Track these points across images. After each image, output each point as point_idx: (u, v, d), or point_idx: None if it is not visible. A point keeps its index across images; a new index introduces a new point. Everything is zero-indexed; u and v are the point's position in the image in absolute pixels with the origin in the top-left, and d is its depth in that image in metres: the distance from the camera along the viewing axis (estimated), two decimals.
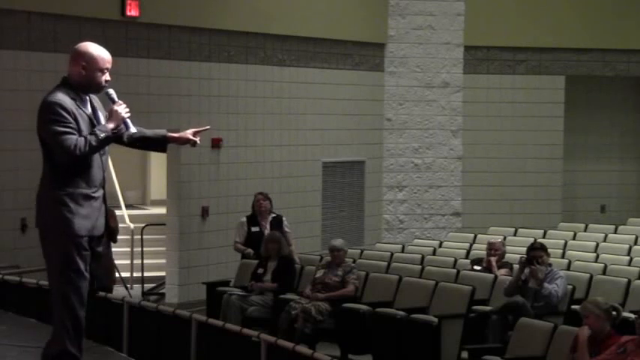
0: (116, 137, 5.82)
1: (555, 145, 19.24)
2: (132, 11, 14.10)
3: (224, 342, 8.36)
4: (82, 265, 5.75)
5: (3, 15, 12.81)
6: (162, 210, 16.95)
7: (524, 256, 11.01)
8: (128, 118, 5.84)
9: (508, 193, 19.05)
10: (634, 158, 20.31)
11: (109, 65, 5.81)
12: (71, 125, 5.63)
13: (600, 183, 20.03)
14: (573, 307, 10.30)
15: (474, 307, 10.82)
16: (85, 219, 5.72)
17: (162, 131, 6.06)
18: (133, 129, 5.89)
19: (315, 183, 17.37)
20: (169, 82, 14.67)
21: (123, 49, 13.88)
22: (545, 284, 10.63)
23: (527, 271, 10.82)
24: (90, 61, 5.75)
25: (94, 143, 5.64)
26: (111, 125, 5.75)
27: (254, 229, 13.12)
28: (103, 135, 5.68)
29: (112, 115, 5.78)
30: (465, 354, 10.30)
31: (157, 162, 19.36)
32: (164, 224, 15.56)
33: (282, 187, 16.36)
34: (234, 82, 15.87)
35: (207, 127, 6.25)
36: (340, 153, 17.84)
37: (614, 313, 8.18)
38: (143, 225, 16.30)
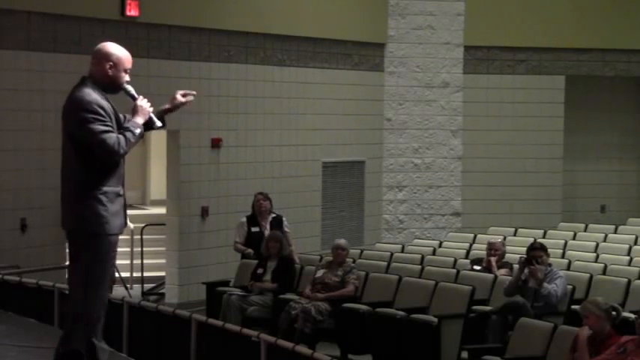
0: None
1: (555, 145, 19.24)
2: (132, 11, 14.10)
3: (224, 342, 8.36)
4: (109, 265, 5.81)
5: (3, 15, 12.81)
6: (162, 210, 16.94)
7: (524, 256, 11.01)
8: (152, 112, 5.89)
9: (508, 193, 19.04)
10: (634, 158, 20.31)
11: (130, 66, 5.88)
12: (109, 124, 5.67)
13: (600, 183, 20.02)
14: (573, 307, 10.31)
15: (474, 307, 10.82)
16: (117, 217, 5.78)
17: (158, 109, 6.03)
18: (158, 123, 5.94)
19: (315, 183, 17.36)
20: (169, 82, 14.65)
21: None
22: (545, 284, 10.63)
23: (526, 271, 10.82)
24: (117, 61, 5.80)
25: (132, 140, 5.71)
26: (140, 120, 5.80)
27: (254, 229, 13.12)
28: (138, 131, 5.75)
29: (138, 110, 5.82)
30: (465, 354, 10.30)
31: (157, 162, 19.35)
32: (164, 224, 15.55)
33: (282, 187, 16.35)
34: (234, 82, 15.87)
35: (194, 92, 6.23)
36: (340, 153, 17.83)
37: (614, 313, 8.18)
38: (143, 225, 16.29)
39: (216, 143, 15.48)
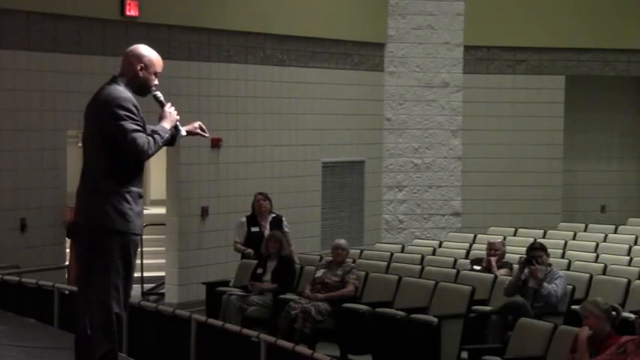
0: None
1: (555, 145, 19.24)
2: (131, 11, 14.09)
3: (224, 342, 8.36)
4: (133, 263, 5.81)
5: (3, 15, 12.80)
6: (162, 210, 16.95)
7: (524, 256, 11.01)
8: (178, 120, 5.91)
9: (508, 193, 19.04)
10: (634, 158, 20.31)
11: (161, 70, 5.88)
12: (141, 124, 5.68)
13: (600, 183, 20.02)
14: (573, 307, 10.30)
15: (474, 307, 10.82)
16: (140, 217, 5.83)
17: (167, 135, 6.01)
18: (183, 132, 5.95)
19: (315, 183, 17.36)
20: (169, 82, 14.64)
21: (122, 49, 13.82)
22: (545, 284, 10.63)
23: (526, 271, 10.82)
24: (149, 63, 5.81)
25: (159, 143, 5.72)
26: (168, 126, 5.82)
27: (254, 229, 13.12)
28: (166, 135, 5.76)
29: (166, 116, 5.84)
30: (464, 354, 10.29)
31: (157, 162, 19.34)
32: (164, 224, 15.55)
33: (282, 187, 16.34)
34: (234, 82, 15.87)
35: (207, 135, 6.24)
36: (340, 153, 17.83)
37: (613, 313, 8.18)
38: (143, 225, 16.27)
39: (216, 143, 15.48)
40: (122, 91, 5.70)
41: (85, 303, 5.76)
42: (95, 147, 5.71)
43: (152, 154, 5.71)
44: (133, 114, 5.65)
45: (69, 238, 12.90)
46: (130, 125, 5.60)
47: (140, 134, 5.62)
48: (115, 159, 5.66)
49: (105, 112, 5.65)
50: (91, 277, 5.75)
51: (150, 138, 5.67)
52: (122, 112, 5.62)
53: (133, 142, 5.59)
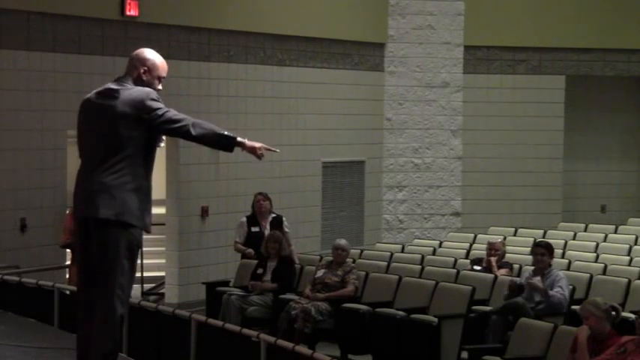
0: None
1: (555, 145, 19.23)
2: (131, 11, 14.09)
3: (224, 342, 8.36)
4: (136, 260, 5.86)
5: (3, 15, 12.80)
6: (161, 210, 16.94)
7: (516, 281, 10.93)
8: None
9: (508, 193, 19.04)
10: (634, 158, 20.31)
11: (165, 75, 5.92)
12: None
13: (600, 183, 20.02)
14: (573, 307, 10.30)
15: (474, 307, 10.82)
16: (149, 215, 5.86)
17: (232, 134, 6.07)
18: (162, 144, 6.02)
19: (315, 183, 17.36)
20: (169, 82, 14.58)
21: (122, 49, 13.82)
22: (552, 292, 10.56)
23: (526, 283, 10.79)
24: (152, 67, 5.87)
25: (214, 129, 6.04)
26: (240, 138, 6.14)
27: (254, 229, 13.11)
28: (224, 132, 6.08)
29: (250, 143, 6.10)
30: (464, 354, 10.30)
31: (157, 162, 19.30)
32: (163, 224, 15.55)
33: (282, 187, 16.34)
34: (234, 82, 15.86)
35: (277, 150, 6.30)
36: (340, 153, 17.83)
37: (613, 313, 8.18)
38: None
39: None
40: (142, 87, 5.77)
41: (89, 303, 5.75)
42: (104, 143, 5.69)
43: (206, 134, 5.88)
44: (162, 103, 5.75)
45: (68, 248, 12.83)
46: (171, 113, 5.71)
47: (183, 115, 5.73)
48: (126, 153, 5.67)
49: (143, 108, 5.69)
50: (96, 277, 5.74)
51: (196, 120, 5.78)
52: (158, 104, 5.71)
53: (182, 122, 5.70)
